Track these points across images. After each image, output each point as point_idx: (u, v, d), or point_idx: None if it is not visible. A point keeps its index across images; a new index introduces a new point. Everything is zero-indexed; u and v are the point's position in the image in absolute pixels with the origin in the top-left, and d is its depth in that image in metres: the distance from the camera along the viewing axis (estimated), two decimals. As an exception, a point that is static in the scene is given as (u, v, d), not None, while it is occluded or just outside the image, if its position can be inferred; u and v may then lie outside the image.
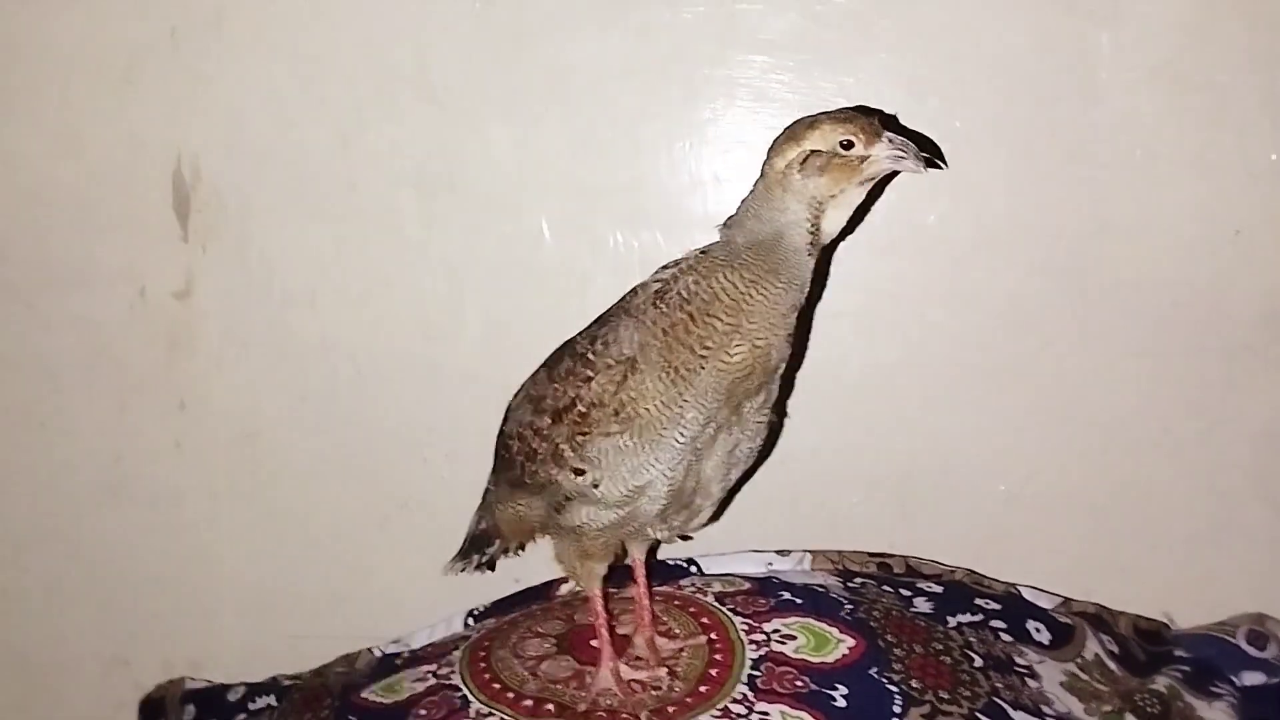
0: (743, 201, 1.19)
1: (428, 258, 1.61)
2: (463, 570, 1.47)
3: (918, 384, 1.58)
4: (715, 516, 1.29)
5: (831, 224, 1.15)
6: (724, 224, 1.18)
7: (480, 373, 1.60)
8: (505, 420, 1.30)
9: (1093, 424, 1.58)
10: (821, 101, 1.51)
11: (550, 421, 1.19)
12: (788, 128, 1.17)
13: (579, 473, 1.17)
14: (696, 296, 1.13)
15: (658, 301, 1.15)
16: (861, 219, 1.24)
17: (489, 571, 1.51)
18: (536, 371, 1.26)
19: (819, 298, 1.50)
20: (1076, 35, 1.49)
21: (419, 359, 1.63)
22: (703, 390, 1.13)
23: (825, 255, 1.31)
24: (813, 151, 1.13)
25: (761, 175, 1.17)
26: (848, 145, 1.13)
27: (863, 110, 1.19)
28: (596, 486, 1.17)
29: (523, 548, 1.48)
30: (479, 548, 1.45)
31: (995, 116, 1.52)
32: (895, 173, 1.20)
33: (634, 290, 1.19)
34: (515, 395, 1.30)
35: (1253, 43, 1.48)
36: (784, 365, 1.18)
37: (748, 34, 1.51)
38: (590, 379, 1.15)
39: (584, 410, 1.16)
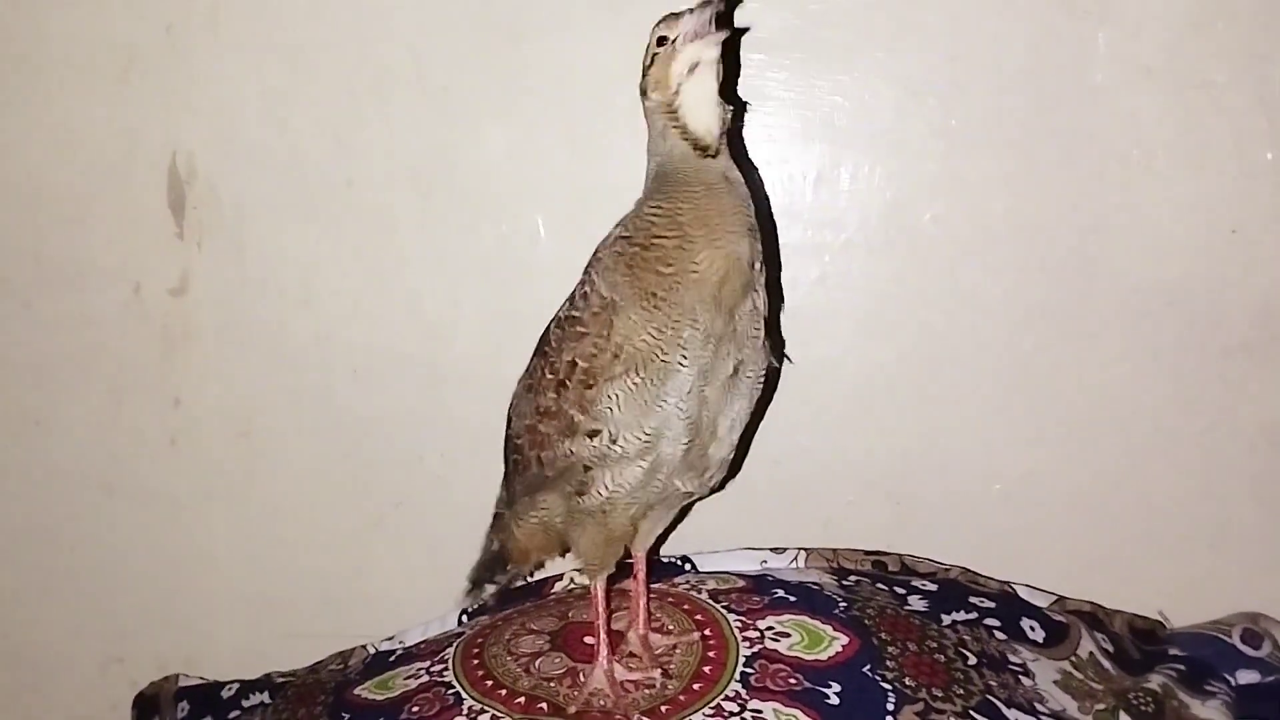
0: None
1: (424, 256, 1.61)
2: (478, 602, 1.48)
3: (913, 382, 1.59)
4: (721, 485, 1.28)
5: (695, 119, 1.15)
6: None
7: (476, 371, 1.60)
8: (509, 425, 1.30)
9: (1088, 422, 1.58)
10: (817, 99, 1.52)
11: (555, 396, 1.18)
12: None
13: (594, 434, 1.16)
14: (638, 230, 1.15)
15: (611, 246, 1.17)
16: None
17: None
18: (529, 365, 1.26)
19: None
20: (1073, 34, 1.50)
21: (415, 357, 1.63)
22: (689, 306, 1.12)
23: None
24: (647, 66, 1.17)
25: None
26: (662, 41, 1.16)
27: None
28: (615, 442, 1.16)
29: (533, 574, 1.49)
30: (492, 574, 1.45)
31: (991, 115, 1.52)
32: (731, 41, 1.19)
33: (594, 253, 1.21)
34: (512, 401, 1.29)
35: (1248, 41, 1.48)
36: (762, 267, 1.17)
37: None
38: (583, 334, 1.16)
39: (585, 365, 1.15)
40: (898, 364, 1.58)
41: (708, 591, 1.38)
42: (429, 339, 1.63)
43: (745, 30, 1.29)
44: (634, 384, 1.14)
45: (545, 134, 1.56)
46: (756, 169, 1.53)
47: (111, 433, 1.69)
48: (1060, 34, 1.50)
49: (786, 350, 1.54)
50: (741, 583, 1.40)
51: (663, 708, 1.20)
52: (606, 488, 1.19)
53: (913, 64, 1.51)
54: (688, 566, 1.50)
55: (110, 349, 1.66)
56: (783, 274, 1.55)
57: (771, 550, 1.51)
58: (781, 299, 1.53)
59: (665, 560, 1.51)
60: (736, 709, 1.18)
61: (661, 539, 1.42)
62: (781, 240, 1.55)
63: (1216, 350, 1.55)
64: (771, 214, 1.53)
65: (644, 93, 1.18)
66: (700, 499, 1.31)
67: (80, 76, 1.60)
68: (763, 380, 1.23)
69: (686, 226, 1.13)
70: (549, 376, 1.19)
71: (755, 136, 1.53)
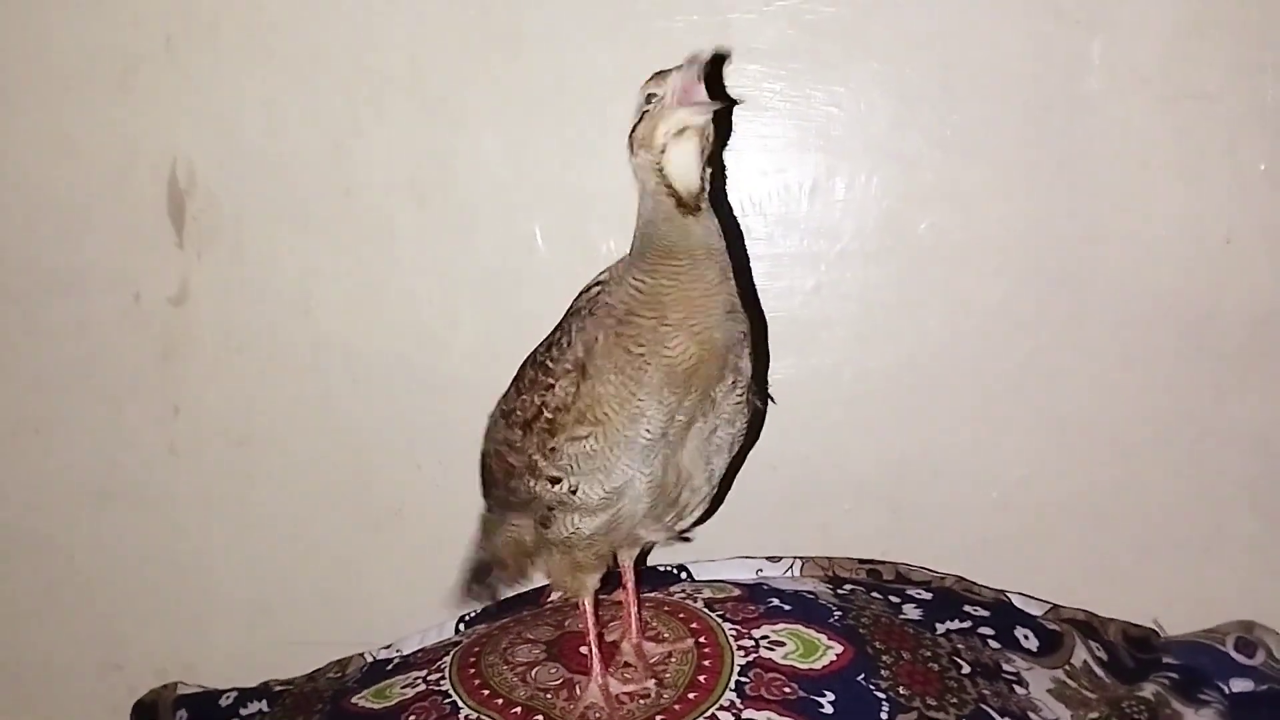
0: None
1: (421, 264, 1.62)
2: (471, 603, 1.48)
3: (909, 391, 1.59)
4: (707, 515, 1.28)
5: (680, 175, 1.10)
6: None
7: (474, 379, 1.58)
8: (484, 440, 1.30)
9: (1083, 431, 1.58)
10: (813, 109, 1.52)
11: (521, 434, 1.19)
12: None
13: (555, 481, 1.17)
14: (620, 303, 1.12)
15: (593, 309, 1.15)
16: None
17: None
18: (507, 389, 1.26)
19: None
20: (1067, 44, 1.50)
21: (413, 365, 1.64)
22: (655, 387, 1.11)
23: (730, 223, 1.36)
24: (635, 125, 1.13)
25: None
26: (651, 98, 1.12)
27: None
28: (575, 492, 1.16)
29: (525, 576, 1.49)
30: (479, 578, 1.45)
31: (986, 125, 1.52)
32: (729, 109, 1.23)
33: (579, 294, 1.20)
34: (490, 415, 1.29)
35: (1242, 52, 1.49)
36: (742, 343, 1.16)
37: (740, 43, 1.51)
38: (551, 386, 1.15)
39: (550, 416, 1.15)
40: (893, 372, 1.59)
41: (703, 600, 1.38)
42: (427, 347, 1.63)
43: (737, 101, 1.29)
44: (594, 447, 1.14)
45: (543, 143, 1.57)
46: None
47: (111, 440, 1.69)
48: (1054, 43, 1.50)
49: (784, 358, 1.55)
50: (737, 591, 1.40)
51: (658, 717, 1.20)
52: (568, 528, 1.20)
53: (908, 74, 1.52)
54: (683, 575, 1.50)
55: (110, 357, 1.67)
56: (779, 283, 1.56)
57: (767, 559, 1.51)
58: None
59: (661, 569, 1.52)
60: (731, 718, 1.18)
61: (649, 548, 1.43)
62: (777, 249, 1.56)
63: (1211, 359, 1.55)
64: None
65: (632, 149, 1.13)
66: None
67: (80, 86, 1.61)
68: (745, 430, 1.22)
69: (667, 308, 1.10)
70: (519, 413, 1.20)
71: (751, 146, 1.53)
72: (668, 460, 1.16)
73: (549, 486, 1.18)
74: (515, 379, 1.24)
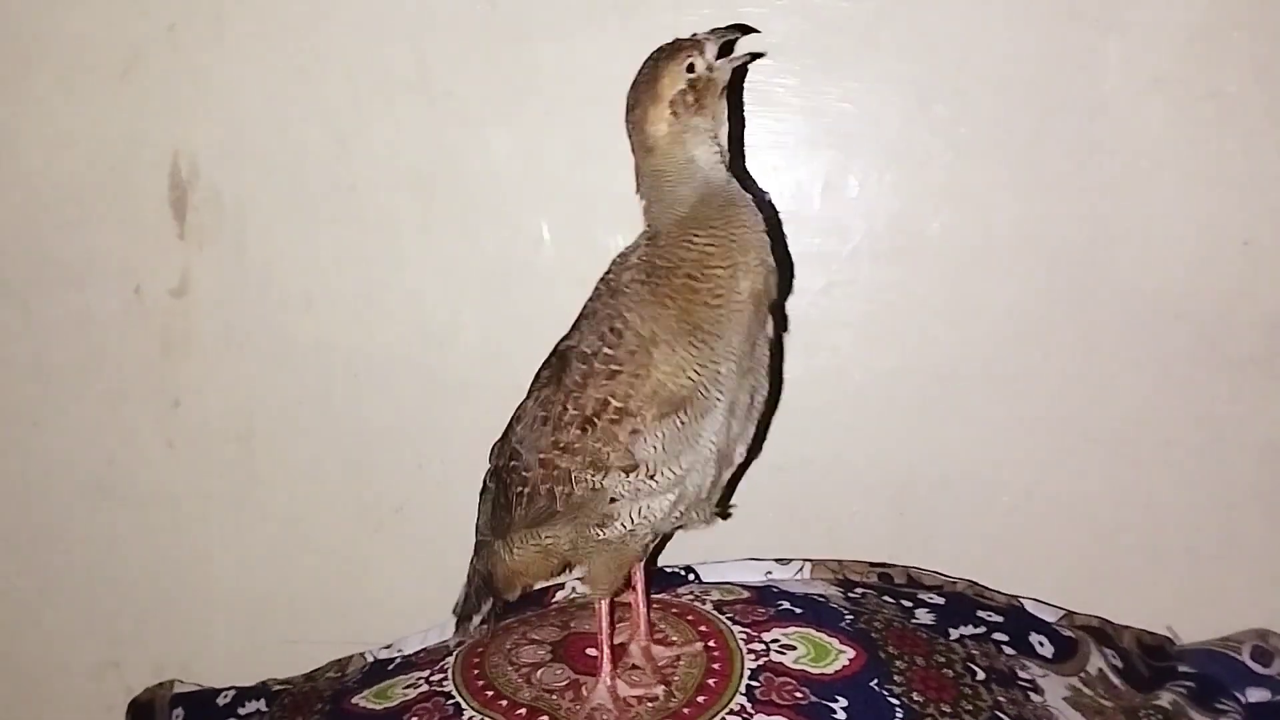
0: (645, 190, 1.18)
1: (426, 260, 1.60)
2: (467, 633, 1.43)
3: (919, 393, 1.57)
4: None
5: (724, 141, 1.17)
6: (646, 224, 1.18)
7: (477, 377, 1.59)
8: (513, 457, 1.23)
9: (1096, 436, 1.56)
10: (825, 105, 1.51)
11: (580, 432, 1.14)
12: (633, 99, 1.18)
13: (630, 470, 1.14)
14: (685, 261, 1.12)
15: (646, 279, 1.13)
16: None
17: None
18: (534, 393, 1.21)
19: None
20: (1082, 44, 1.49)
21: (416, 362, 1.62)
22: (729, 339, 1.12)
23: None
24: (676, 95, 1.15)
25: (648, 152, 1.16)
26: (692, 69, 1.15)
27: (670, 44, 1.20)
28: (652, 477, 1.14)
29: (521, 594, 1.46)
30: (479, 604, 1.41)
31: (1000, 125, 1.51)
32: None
33: (604, 284, 1.18)
34: (515, 428, 1.24)
35: (1259, 51, 1.47)
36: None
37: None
38: (617, 373, 1.12)
39: (620, 405, 1.12)
40: (904, 373, 1.57)
41: (712, 602, 1.37)
42: (431, 343, 1.62)
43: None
44: (679, 422, 1.12)
45: (549, 138, 1.55)
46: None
47: (110, 435, 1.67)
48: (1070, 42, 1.49)
49: (793, 357, 1.54)
50: (746, 594, 1.39)
51: (666, 720, 1.18)
52: (632, 520, 1.18)
53: (922, 71, 1.50)
54: (691, 577, 1.49)
55: (110, 350, 1.65)
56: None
57: (776, 561, 1.50)
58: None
59: (669, 570, 1.50)
60: (740, 722, 1.17)
61: (660, 547, 1.41)
62: (788, 248, 1.54)
63: (1225, 363, 1.54)
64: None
65: (674, 126, 1.15)
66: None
67: (82, 76, 1.59)
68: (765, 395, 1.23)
69: (736, 253, 1.12)
70: (573, 412, 1.15)
71: (763, 142, 1.52)
72: (729, 429, 1.16)
73: (622, 477, 1.14)
74: (552, 381, 1.19)
